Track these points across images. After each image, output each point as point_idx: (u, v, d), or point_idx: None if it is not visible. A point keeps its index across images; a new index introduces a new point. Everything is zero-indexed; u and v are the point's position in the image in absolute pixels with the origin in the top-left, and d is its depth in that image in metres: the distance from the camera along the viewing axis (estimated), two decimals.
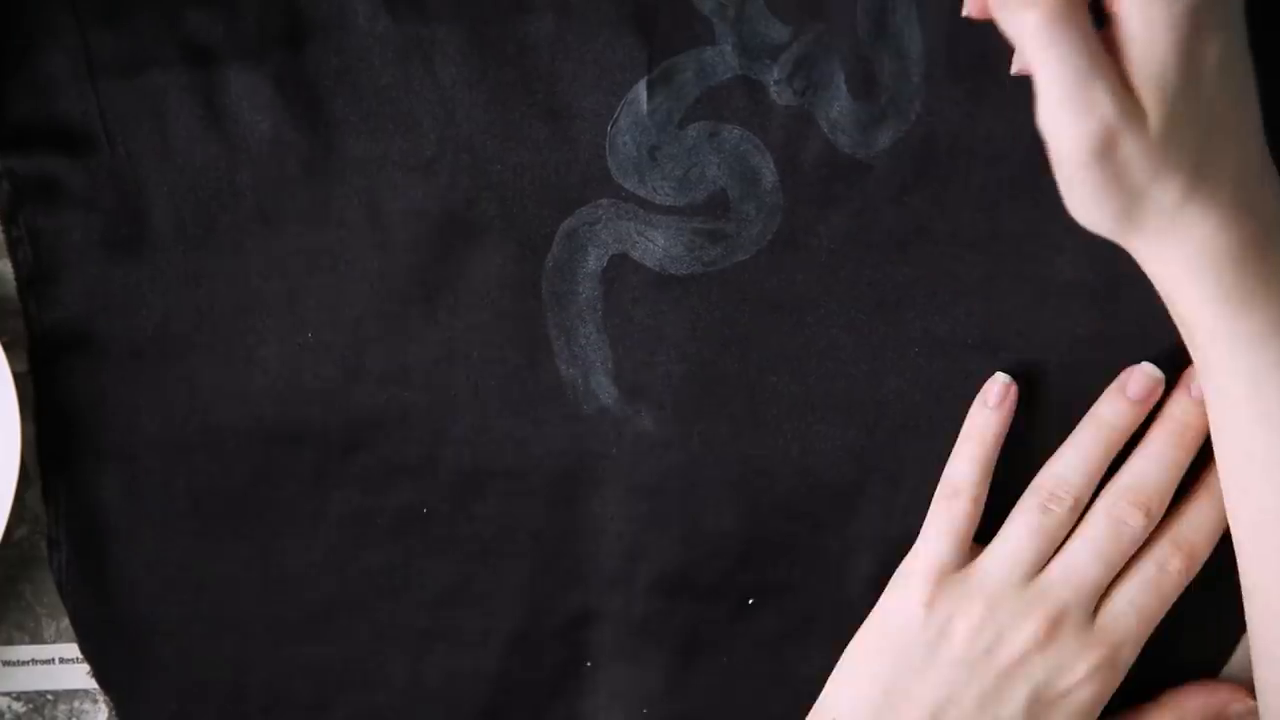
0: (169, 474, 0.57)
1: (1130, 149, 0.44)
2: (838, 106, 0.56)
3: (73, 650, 0.58)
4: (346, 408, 0.57)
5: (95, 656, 0.58)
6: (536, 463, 0.57)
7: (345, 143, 0.56)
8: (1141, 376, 0.55)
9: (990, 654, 0.54)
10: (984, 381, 0.56)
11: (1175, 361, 0.56)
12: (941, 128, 0.56)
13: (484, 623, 0.58)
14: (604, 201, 0.56)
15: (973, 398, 0.56)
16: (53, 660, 0.59)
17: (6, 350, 0.55)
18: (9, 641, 0.59)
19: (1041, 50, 0.43)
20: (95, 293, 0.56)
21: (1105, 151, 0.44)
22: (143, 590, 0.57)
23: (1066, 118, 0.44)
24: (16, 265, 0.56)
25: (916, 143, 0.56)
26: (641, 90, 0.56)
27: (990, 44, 0.55)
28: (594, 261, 0.56)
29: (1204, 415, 0.53)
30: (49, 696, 0.59)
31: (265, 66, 0.55)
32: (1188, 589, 0.55)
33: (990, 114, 0.55)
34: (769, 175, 0.56)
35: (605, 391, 0.57)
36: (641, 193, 0.56)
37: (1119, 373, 0.56)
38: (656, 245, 0.56)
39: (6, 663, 0.59)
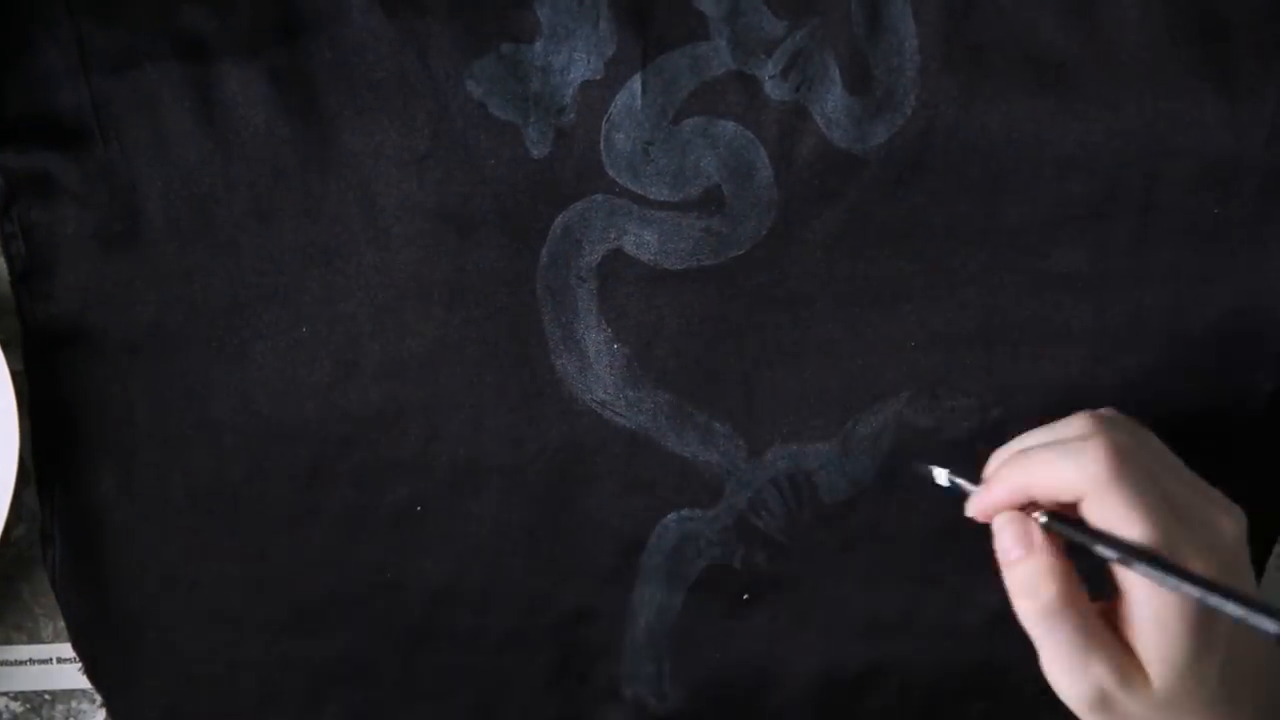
0: (163, 469, 0.57)
1: (1130, 705, 0.46)
2: (833, 101, 0.56)
3: (70, 650, 0.58)
4: (341, 403, 0.57)
5: (88, 652, 0.58)
6: (531, 459, 0.57)
7: (340, 137, 0.56)
8: None
9: None
10: (980, 375, 0.56)
11: (1168, 354, 0.56)
12: (937, 122, 0.56)
13: (478, 620, 0.58)
14: (598, 197, 0.56)
15: (969, 391, 0.56)
16: (50, 660, 0.59)
17: (4, 349, 0.55)
18: (7, 641, 0.59)
19: (1038, 634, 0.46)
20: (89, 288, 0.56)
21: (1103, 707, 0.46)
22: (136, 586, 0.57)
23: (1063, 683, 0.46)
24: (10, 260, 0.56)
25: (912, 137, 0.56)
26: (636, 85, 0.56)
27: (985, 37, 0.56)
28: (589, 256, 0.56)
29: None
30: (47, 696, 0.59)
31: (259, 61, 0.55)
32: None
33: (986, 107, 0.55)
34: (764, 170, 0.56)
35: (600, 387, 0.57)
36: (636, 188, 0.56)
37: (1112, 365, 0.56)
38: (651, 240, 0.56)
39: (4, 662, 0.59)
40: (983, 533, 0.57)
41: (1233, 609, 0.43)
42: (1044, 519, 0.47)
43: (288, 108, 0.55)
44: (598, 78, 0.56)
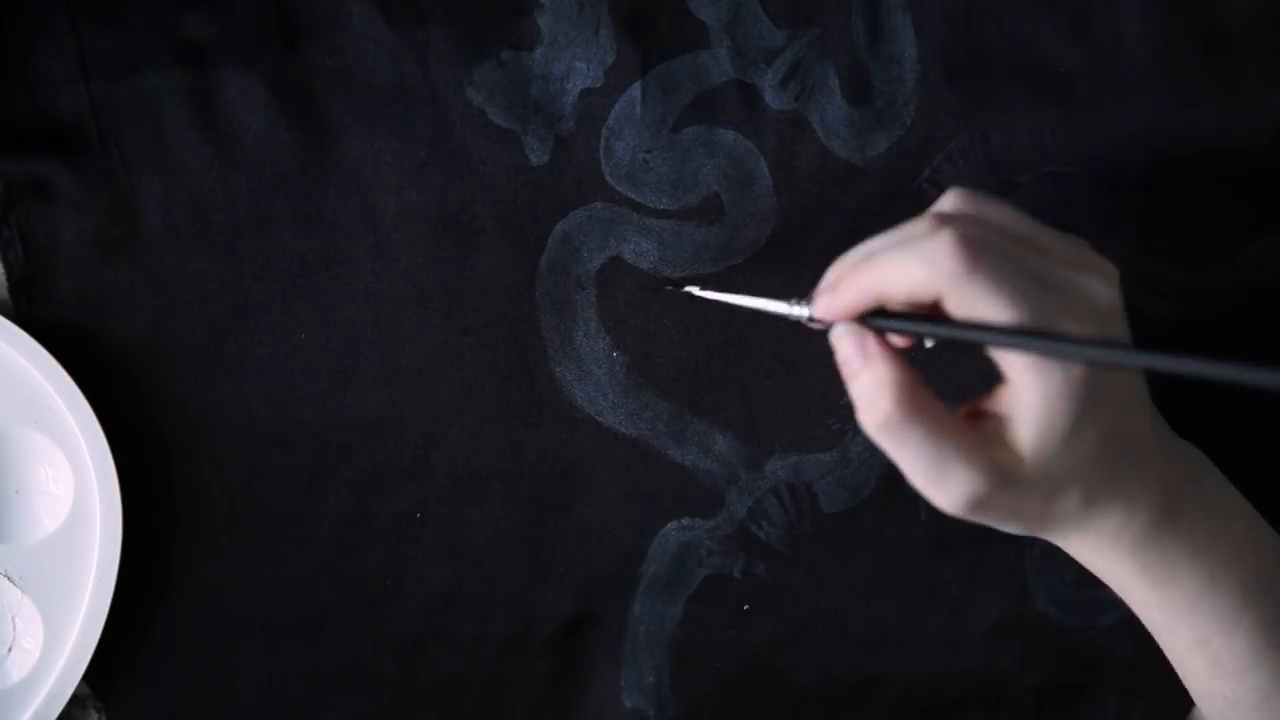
0: (161, 475, 0.57)
1: (1006, 499, 0.44)
2: (832, 111, 0.56)
3: None
4: (340, 410, 0.56)
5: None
6: (531, 466, 0.57)
7: (339, 144, 0.55)
8: None
9: None
10: (980, 385, 0.56)
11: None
12: (936, 132, 0.56)
13: (477, 627, 0.57)
14: (598, 204, 0.56)
15: (966, 399, 0.56)
16: None
17: None
18: None
19: (887, 448, 0.44)
20: (87, 294, 0.56)
21: (980, 508, 0.44)
22: (135, 591, 0.57)
23: (929, 492, 0.44)
24: (8, 266, 0.56)
25: (911, 147, 0.56)
26: (636, 93, 0.56)
27: (986, 48, 0.56)
28: (588, 264, 0.56)
29: None
30: None
31: (259, 67, 0.55)
32: None
33: (985, 118, 0.56)
34: (763, 179, 0.56)
35: (600, 395, 0.57)
36: (635, 196, 0.56)
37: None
38: (650, 248, 0.56)
39: None
40: (984, 544, 0.57)
41: (1120, 357, 0.41)
42: (879, 322, 0.44)
43: (287, 114, 0.55)
44: (597, 85, 0.56)
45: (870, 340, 0.44)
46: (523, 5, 0.55)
